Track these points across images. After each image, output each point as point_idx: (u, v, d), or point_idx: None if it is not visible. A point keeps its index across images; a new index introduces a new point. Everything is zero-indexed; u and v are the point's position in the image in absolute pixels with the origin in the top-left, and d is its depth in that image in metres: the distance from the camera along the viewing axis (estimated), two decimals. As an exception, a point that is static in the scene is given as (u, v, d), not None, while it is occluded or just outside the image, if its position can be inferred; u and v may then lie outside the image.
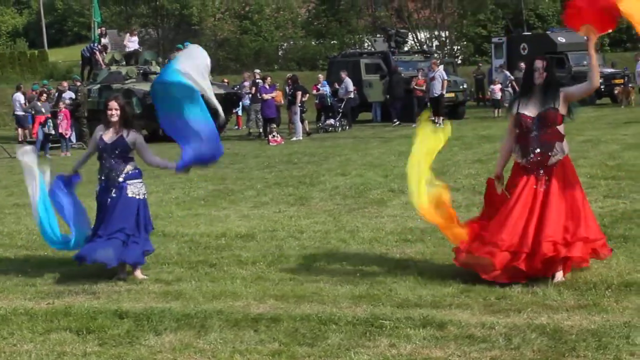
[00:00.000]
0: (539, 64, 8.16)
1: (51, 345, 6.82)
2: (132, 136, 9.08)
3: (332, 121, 29.85)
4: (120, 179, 9.04)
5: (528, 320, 6.88)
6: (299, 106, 27.69)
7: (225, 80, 34.60)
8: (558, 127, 8.09)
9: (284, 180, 16.24)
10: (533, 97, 8.15)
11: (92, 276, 9.03)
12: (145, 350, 6.63)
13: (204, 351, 6.54)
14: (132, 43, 33.28)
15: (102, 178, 9.18)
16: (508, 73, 32.68)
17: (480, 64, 45.03)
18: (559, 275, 7.93)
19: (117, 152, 9.02)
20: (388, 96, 32.07)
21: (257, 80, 29.36)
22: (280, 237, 10.79)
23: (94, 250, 8.94)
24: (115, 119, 9.05)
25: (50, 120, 25.72)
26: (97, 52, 31.32)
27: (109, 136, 9.09)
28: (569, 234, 7.91)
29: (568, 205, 8.00)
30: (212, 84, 30.54)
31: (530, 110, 8.09)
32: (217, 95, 30.12)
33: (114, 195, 9.05)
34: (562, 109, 8.09)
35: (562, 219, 7.95)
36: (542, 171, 8.05)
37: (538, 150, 8.04)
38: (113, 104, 9.09)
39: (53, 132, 25.64)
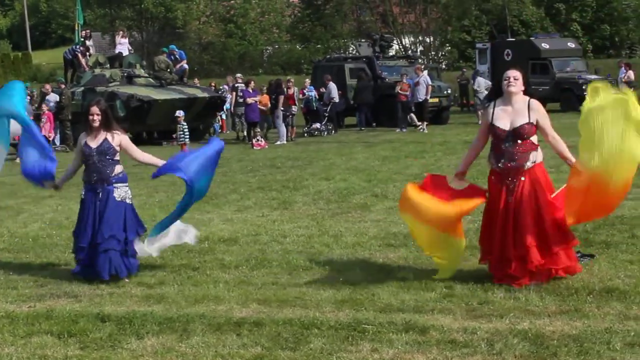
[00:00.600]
0: (511, 73, 8.18)
1: (32, 349, 6.80)
2: (117, 138, 9.09)
3: (318, 125, 29.86)
4: (108, 182, 9.01)
5: (510, 325, 6.90)
6: (282, 110, 27.65)
7: (213, 84, 34.60)
8: (532, 138, 8.11)
9: (268, 185, 16.23)
10: (508, 106, 8.14)
11: (74, 279, 9.00)
12: (127, 354, 6.61)
13: (186, 355, 6.53)
14: (122, 45, 33.20)
15: (89, 181, 9.12)
16: (482, 79, 32.70)
17: (465, 70, 45.15)
18: (529, 282, 7.94)
19: (103, 156, 9.00)
20: (354, 103, 32.14)
21: (237, 85, 29.32)
22: (263, 241, 10.79)
23: (100, 267, 8.96)
24: (97, 124, 9.04)
25: (32, 123, 25.51)
26: (79, 54, 31.20)
27: (93, 141, 9.07)
28: (547, 242, 7.96)
29: (540, 212, 8.02)
30: (196, 87, 30.17)
31: (504, 123, 8.08)
32: (201, 99, 29.87)
33: (101, 198, 9.01)
34: (535, 122, 8.10)
35: (537, 225, 7.99)
36: (514, 179, 8.06)
37: (511, 163, 8.05)
38: (94, 109, 9.07)
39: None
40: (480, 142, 8.52)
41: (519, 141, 8.03)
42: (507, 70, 8.28)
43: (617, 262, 8.84)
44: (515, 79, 8.11)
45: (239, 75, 31.87)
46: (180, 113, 22.50)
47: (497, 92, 8.32)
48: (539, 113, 8.14)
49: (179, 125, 21.94)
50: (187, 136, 21.88)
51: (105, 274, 8.93)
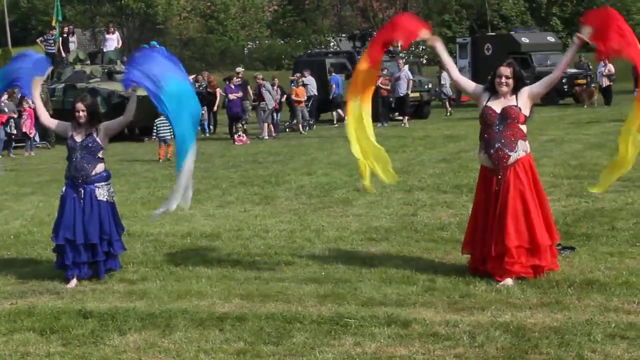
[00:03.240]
0: (504, 71, 8.19)
1: (14, 346, 6.78)
2: (101, 133, 8.93)
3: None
4: (89, 180, 8.85)
5: (492, 318, 6.93)
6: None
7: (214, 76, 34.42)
8: (520, 125, 8.16)
9: (250, 180, 16.23)
10: (500, 98, 8.20)
11: (56, 276, 8.97)
12: (110, 350, 6.61)
13: (169, 351, 6.53)
14: (110, 41, 33.16)
15: (70, 177, 8.94)
16: (446, 74, 33.00)
17: (444, 64, 45.03)
18: (509, 281, 7.97)
19: (87, 152, 8.85)
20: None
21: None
22: (245, 237, 10.79)
23: (99, 268, 8.98)
24: (83, 120, 8.88)
25: (12, 120, 25.34)
26: (45, 40, 31.48)
27: (79, 135, 8.93)
28: (533, 241, 8.01)
29: (525, 207, 8.06)
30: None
31: (496, 105, 8.17)
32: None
33: (83, 197, 8.86)
34: (525, 109, 8.15)
35: (521, 222, 8.03)
36: (501, 172, 8.09)
37: (498, 144, 8.10)
38: (80, 106, 8.90)
39: (15, 131, 25.36)
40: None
41: (508, 124, 8.06)
42: (499, 67, 8.25)
43: (598, 254, 8.90)
44: (507, 77, 8.14)
45: (240, 69, 31.71)
46: None
47: (491, 88, 8.34)
48: (527, 91, 8.25)
49: (157, 120, 21.34)
50: (163, 132, 21.31)
51: (102, 274, 8.97)
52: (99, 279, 8.91)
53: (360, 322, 6.94)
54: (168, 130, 20.95)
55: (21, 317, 7.48)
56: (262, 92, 27.29)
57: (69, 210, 8.89)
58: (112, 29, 34.97)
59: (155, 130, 21.47)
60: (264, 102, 27.33)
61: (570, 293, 7.52)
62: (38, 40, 33.07)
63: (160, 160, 20.77)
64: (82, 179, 8.86)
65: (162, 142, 21.32)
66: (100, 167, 8.93)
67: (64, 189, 9.04)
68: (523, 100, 8.17)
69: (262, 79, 28.02)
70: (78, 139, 8.90)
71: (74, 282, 8.74)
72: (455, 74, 8.71)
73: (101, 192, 8.91)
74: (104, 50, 32.79)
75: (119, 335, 6.94)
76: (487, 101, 8.27)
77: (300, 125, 28.57)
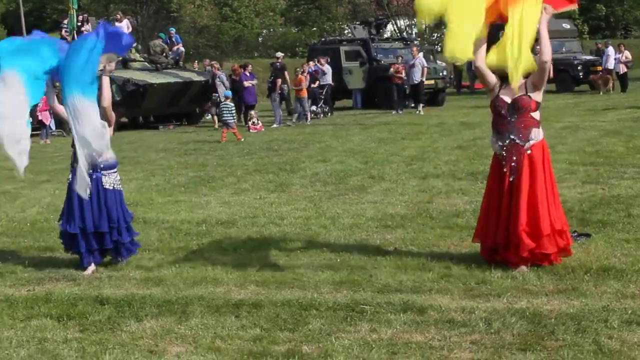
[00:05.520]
0: None
1: (32, 332, 6.82)
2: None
3: (314, 108, 29.76)
4: (96, 168, 8.77)
5: (508, 304, 6.92)
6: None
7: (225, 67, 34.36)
8: (532, 113, 8.11)
9: (265, 167, 16.25)
10: (510, 84, 8.17)
11: (73, 263, 9.01)
12: (127, 336, 6.63)
13: (185, 337, 6.55)
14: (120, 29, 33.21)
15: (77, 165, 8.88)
16: (440, 63, 33.55)
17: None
18: (524, 268, 7.94)
19: None
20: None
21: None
22: (260, 224, 10.80)
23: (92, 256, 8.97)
24: None
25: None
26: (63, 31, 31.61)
27: None
28: (539, 227, 7.98)
29: (535, 196, 8.03)
30: (192, 70, 30.39)
31: (505, 97, 8.13)
32: (197, 83, 30.14)
33: (90, 186, 8.82)
34: (536, 96, 8.11)
35: (532, 209, 8.00)
36: (514, 158, 8.06)
37: (512, 136, 8.07)
38: None
39: (30, 119, 25.41)
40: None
41: (520, 114, 8.03)
42: None
43: (614, 241, 8.87)
44: None
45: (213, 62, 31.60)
46: (228, 94, 24.33)
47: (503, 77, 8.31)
48: (529, 80, 8.11)
49: (222, 104, 23.56)
50: (234, 116, 23.38)
51: (116, 258, 9.05)
52: (115, 264, 8.96)
53: (376, 308, 6.94)
54: (230, 115, 22.92)
55: (38, 304, 7.53)
56: (215, 83, 27.01)
57: (78, 199, 8.78)
58: (120, 16, 34.98)
59: (228, 114, 23.09)
60: (216, 94, 27.18)
61: (586, 280, 7.50)
62: (63, 33, 33.10)
63: (222, 142, 22.12)
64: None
65: (225, 126, 23.01)
66: (106, 155, 8.84)
67: (70, 176, 8.97)
68: (530, 89, 8.12)
69: (218, 69, 27.77)
70: None
71: (91, 268, 8.77)
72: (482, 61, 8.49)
73: (108, 180, 8.90)
74: None
75: (136, 321, 6.97)
76: (499, 91, 8.24)
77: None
